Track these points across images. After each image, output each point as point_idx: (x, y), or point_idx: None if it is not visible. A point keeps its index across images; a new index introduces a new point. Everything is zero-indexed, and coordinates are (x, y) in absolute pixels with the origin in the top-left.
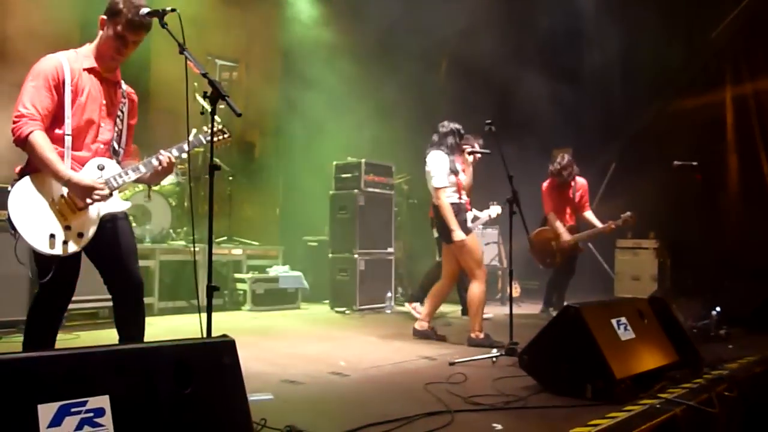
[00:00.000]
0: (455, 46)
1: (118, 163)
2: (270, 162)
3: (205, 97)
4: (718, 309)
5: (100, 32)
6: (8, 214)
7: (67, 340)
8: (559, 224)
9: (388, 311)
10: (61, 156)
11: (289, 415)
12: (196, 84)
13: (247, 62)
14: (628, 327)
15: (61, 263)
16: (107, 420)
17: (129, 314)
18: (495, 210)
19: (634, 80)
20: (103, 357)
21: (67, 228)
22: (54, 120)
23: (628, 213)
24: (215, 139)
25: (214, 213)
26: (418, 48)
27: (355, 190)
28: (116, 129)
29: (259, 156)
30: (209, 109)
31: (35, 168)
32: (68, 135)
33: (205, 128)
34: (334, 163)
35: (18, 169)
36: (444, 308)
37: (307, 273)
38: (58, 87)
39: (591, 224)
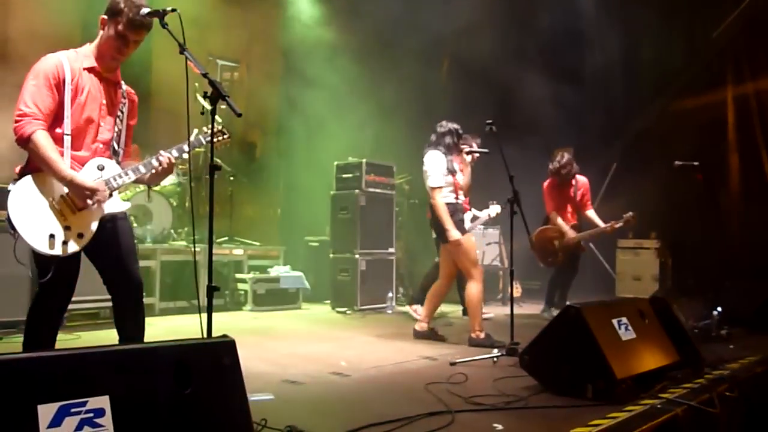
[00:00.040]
0: (456, 46)
1: (118, 163)
2: (271, 162)
3: (205, 97)
4: (719, 309)
5: (101, 32)
6: (8, 214)
7: (68, 340)
8: (562, 222)
9: (389, 311)
10: (61, 155)
11: (289, 416)
12: (196, 84)
13: (248, 62)
14: (629, 327)
15: (61, 263)
16: (107, 420)
17: (129, 314)
18: (494, 209)
19: (635, 80)
20: (102, 357)
21: (66, 228)
22: (54, 119)
23: (630, 213)
24: (215, 139)
25: (215, 213)
26: (420, 48)
27: (356, 190)
28: (116, 129)
29: (261, 156)
30: (210, 109)
31: (36, 167)
32: (67, 135)
33: (205, 128)
34: (335, 163)
35: (18, 168)
36: (444, 308)
37: (308, 273)
38: (59, 86)
39: (593, 223)
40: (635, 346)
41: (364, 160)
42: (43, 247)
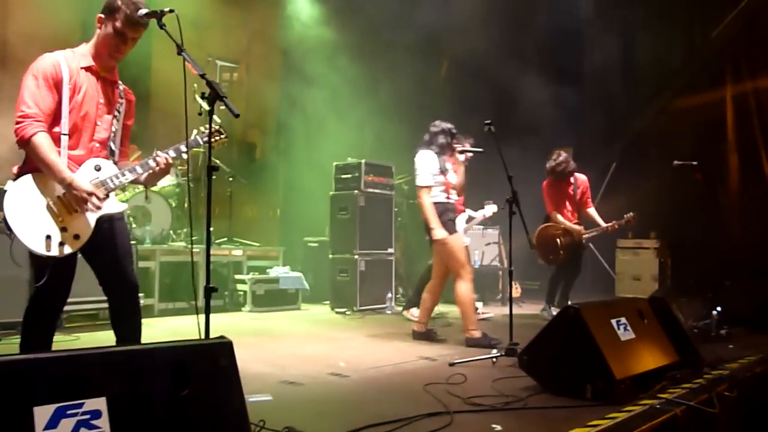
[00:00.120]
0: (456, 46)
1: (115, 163)
2: (271, 162)
3: (203, 97)
4: (718, 309)
5: (98, 31)
6: (3, 215)
7: (66, 341)
8: (563, 220)
9: (389, 312)
10: (58, 155)
11: (288, 417)
12: (195, 85)
13: (247, 63)
14: (628, 327)
15: (57, 265)
16: (104, 422)
17: (124, 316)
18: (490, 209)
19: (634, 80)
20: (99, 359)
21: (63, 229)
22: (52, 119)
23: (631, 213)
24: (212, 139)
25: (214, 214)
26: (419, 48)
27: (356, 191)
28: (112, 128)
29: (260, 156)
30: (208, 110)
31: (33, 167)
32: (65, 134)
33: (202, 128)
34: (334, 163)
35: (15, 168)
36: (444, 308)
37: (308, 274)
38: (57, 85)
39: (594, 222)
40: (634, 346)
41: (363, 161)
42: (39, 248)
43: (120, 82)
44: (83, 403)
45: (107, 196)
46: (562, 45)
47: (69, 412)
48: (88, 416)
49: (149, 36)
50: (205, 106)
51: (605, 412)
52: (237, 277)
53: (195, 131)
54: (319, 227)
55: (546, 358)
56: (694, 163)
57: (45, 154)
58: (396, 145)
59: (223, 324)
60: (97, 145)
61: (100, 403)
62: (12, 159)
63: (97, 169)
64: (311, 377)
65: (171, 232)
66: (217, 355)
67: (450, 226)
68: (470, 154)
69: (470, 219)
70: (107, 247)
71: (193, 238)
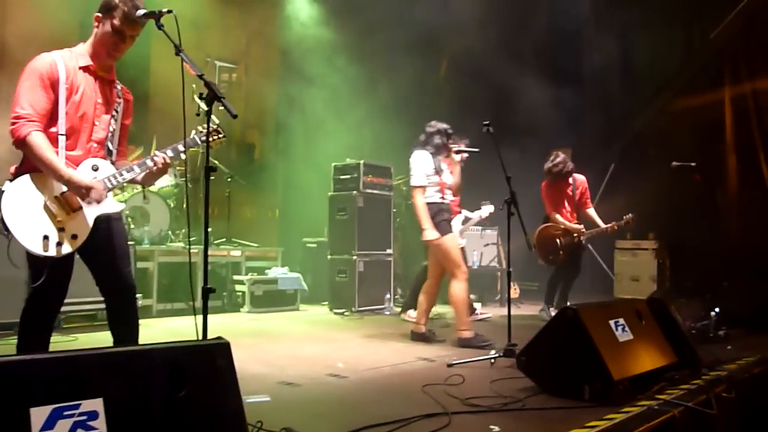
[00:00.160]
0: (455, 47)
1: (112, 163)
2: (269, 163)
3: (201, 98)
4: (717, 310)
5: (95, 30)
6: (1, 216)
7: (65, 342)
8: (563, 220)
9: (387, 312)
10: (56, 155)
11: (285, 417)
12: (194, 86)
13: (246, 63)
14: (626, 328)
15: (55, 265)
16: (100, 423)
17: (121, 317)
18: (487, 209)
19: (633, 81)
20: (96, 360)
21: (61, 229)
22: (49, 119)
23: (630, 215)
24: (210, 138)
25: (213, 215)
26: (418, 48)
27: (354, 192)
28: (110, 128)
29: (259, 157)
30: (206, 111)
31: (31, 167)
32: (62, 135)
33: (200, 128)
34: (333, 164)
35: (13, 169)
36: (442, 309)
37: (306, 274)
38: (54, 85)
39: (593, 222)
40: (632, 347)
41: (361, 162)
42: (36, 249)
43: (118, 81)
44: (80, 404)
45: (105, 195)
46: (561, 46)
47: (66, 413)
48: (84, 417)
49: (148, 37)
50: (204, 106)
51: (603, 413)
52: (235, 277)
53: (194, 131)
54: (317, 228)
55: (544, 359)
56: (693, 164)
57: (42, 152)
58: (395, 145)
59: (221, 325)
60: (95, 145)
61: (96, 404)
62: (11, 159)
63: (95, 169)
64: (309, 378)
65: (169, 232)
66: (214, 356)
67: (445, 227)
68: (466, 155)
69: (467, 220)
70: (104, 248)
71: (192, 239)
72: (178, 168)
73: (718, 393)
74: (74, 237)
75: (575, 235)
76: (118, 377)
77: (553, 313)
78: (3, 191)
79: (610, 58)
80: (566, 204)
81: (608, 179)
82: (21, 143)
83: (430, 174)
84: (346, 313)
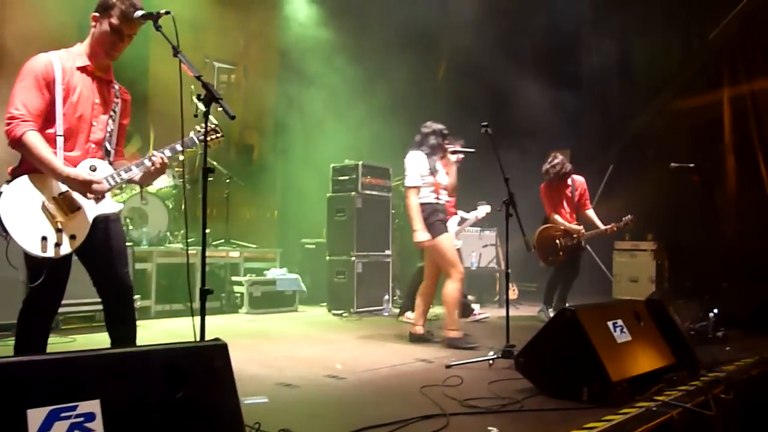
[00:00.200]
0: (454, 48)
1: (110, 163)
2: (268, 164)
3: (199, 99)
4: (715, 311)
5: (93, 29)
6: None
7: (63, 343)
8: (563, 221)
9: (386, 314)
10: (54, 154)
11: (283, 419)
12: (192, 87)
13: (245, 65)
14: (624, 329)
15: (53, 266)
16: (98, 425)
17: (119, 318)
18: (483, 210)
19: (632, 82)
20: (93, 361)
21: (59, 230)
22: (46, 120)
23: (629, 216)
24: (208, 138)
25: (212, 216)
26: (417, 49)
27: (353, 193)
28: (108, 128)
29: (258, 158)
30: (204, 111)
31: (28, 168)
32: (60, 135)
33: (198, 127)
34: (332, 165)
35: (10, 169)
36: (441, 310)
37: (305, 275)
38: (49, 85)
39: (593, 223)
40: (630, 348)
41: (360, 162)
42: (35, 250)
43: (115, 81)
44: (77, 406)
45: (103, 196)
46: (559, 47)
47: (63, 414)
48: (81, 419)
49: (147, 38)
50: (202, 107)
51: (601, 414)
52: (234, 278)
53: (192, 131)
54: (316, 229)
55: (542, 360)
56: (692, 165)
57: (38, 151)
58: (393, 146)
59: (219, 326)
60: (93, 145)
61: (93, 406)
62: (10, 161)
63: (93, 169)
64: (307, 379)
65: (168, 233)
66: (211, 358)
67: (439, 227)
68: (462, 155)
69: (463, 221)
70: (102, 249)
71: (190, 240)
72: (176, 169)
73: (716, 394)
74: (73, 238)
75: (575, 236)
76: (115, 379)
77: (551, 314)
78: (1, 192)
79: (608, 59)
80: (565, 205)
81: (607, 180)
82: (17, 143)
83: (424, 174)
84: (344, 314)
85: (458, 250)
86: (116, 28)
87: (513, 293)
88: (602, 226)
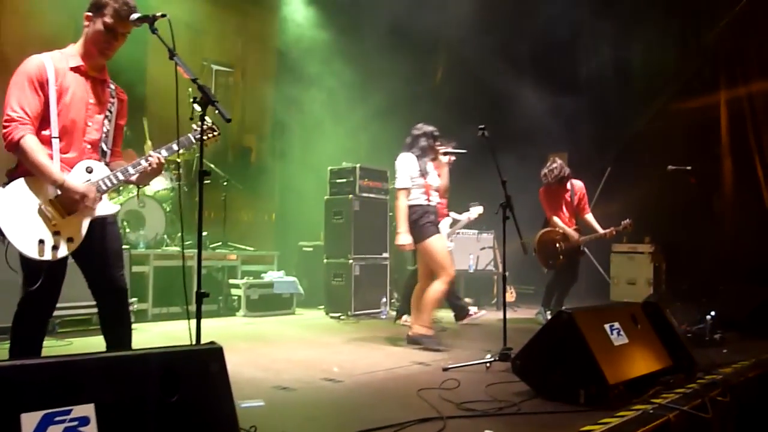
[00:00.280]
0: (452, 52)
1: (107, 164)
2: (266, 167)
3: (195, 102)
4: (712, 313)
5: (86, 29)
6: None
7: (59, 346)
8: (564, 225)
9: (383, 316)
10: (50, 158)
11: (280, 422)
12: (189, 90)
13: (243, 67)
14: (621, 332)
15: (50, 269)
16: (92, 429)
17: (114, 320)
18: (476, 211)
19: (629, 85)
20: (88, 364)
21: (56, 233)
22: (41, 121)
23: (628, 220)
24: (204, 137)
25: (210, 218)
26: (415, 52)
27: (350, 195)
28: (104, 129)
29: (256, 160)
30: (200, 114)
31: (24, 171)
32: (55, 137)
33: (194, 126)
34: (329, 168)
35: (7, 172)
36: (438, 313)
37: (302, 278)
38: (43, 87)
39: (592, 228)
40: (627, 351)
41: (357, 165)
42: (32, 253)
43: (111, 81)
44: (71, 410)
45: (100, 198)
46: (556, 51)
47: (57, 418)
48: (75, 423)
49: (144, 41)
50: (199, 110)
51: (598, 417)
52: (231, 281)
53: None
54: (314, 232)
55: (539, 363)
56: (688, 167)
57: (35, 156)
58: (391, 149)
59: (216, 329)
60: (89, 146)
61: (88, 410)
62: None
63: (89, 171)
64: (304, 382)
65: (165, 236)
66: (207, 361)
67: (429, 228)
68: (454, 157)
69: (455, 222)
70: (97, 251)
71: (187, 243)
72: (173, 172)
73: (713, 397)
74: (70, 240)
75: (572, 240)
76: (110, 382)
77: (549, 317)
78: None
79: (605, 62)
80: (564, 210)
81: (604, 183)
82: (14, 147)
83: (415, 176)
84: (342, 317)
85: (450, 252)
86: (110, 27)
87: (510, 296)
88: (601, 230)
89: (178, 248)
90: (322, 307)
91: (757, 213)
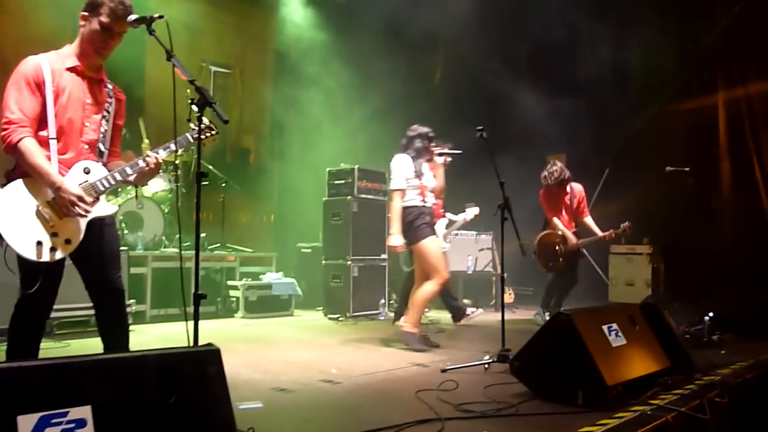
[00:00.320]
0: (450, 53)
1: (104, 164)
2: (265, 168)
3: (192, 103)
4: (711, 314)
5: (82, 29)
6: None
7: (57, 348)
8: (563, 227)
9: (382, 318)
10: (48, 160)
11: (278, 424)
12: (188, 91)
13: (241, 69)
14: (620, 333)
15: (48, 270)
16: (89, 431)
17: (111, 322)
18: (471, 212)
19: (627, 86)
20: (85, 366)
21: (54, 234)
22: (39, 122)
23: (627, 223)
24: (202, 136)
25: (208, 220)
26: (413, 54)
27: (349, 197)
28: (102, 129)
29: (254, 162)
30: (197, 116)
31: (22, 173)
32: (53, 138)
33: (192, 125)
34: (327, 169)
35: (5, 173)
36: (436, 315)
37: (301, 280)
38: (40, 87)
39: (591, 230)
40: (626, 352)
41: (356, 167)
42: (30, 255)
43: (109, 81)
44: (68, 412)
45: (97, 199)
46: (554, 52)
47: (53, 420)
48: (72, 425)
49: (142, 42)
50: (197, 110)
51: (596, 418)
52: (229, 283)
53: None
54: (312, 233)
55: (537, 364)
56: (687, 168)
57: (33, 158)
58: (389, 150)
59: (214, 330)
60: (86, 146)
61: (85, 412)
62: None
63: (86, 171)
64: (302, 384)
65: (163, 238)
66: (204, 363)
67: (424, 230)
68: (449, 158)
69: (451, 223)
70: (95, 252)
71: (185, 244)
72: (172, 173)
73: (711, 398)
74: (68, 241)
75: (570, 244)
76: (106, 384)
77: (548, 318)
78: None
79: (603, 63)
80: (564, 212)
81: (602, 184)
82: (12, 149)
83: (410, 177)
84: (340, 319)
85: (445, 253)
86: (106, 27)
87: (509, 297)
88: (600, 233)
89: (176, 250)
90: (321, 308)
91: (755, 214)
